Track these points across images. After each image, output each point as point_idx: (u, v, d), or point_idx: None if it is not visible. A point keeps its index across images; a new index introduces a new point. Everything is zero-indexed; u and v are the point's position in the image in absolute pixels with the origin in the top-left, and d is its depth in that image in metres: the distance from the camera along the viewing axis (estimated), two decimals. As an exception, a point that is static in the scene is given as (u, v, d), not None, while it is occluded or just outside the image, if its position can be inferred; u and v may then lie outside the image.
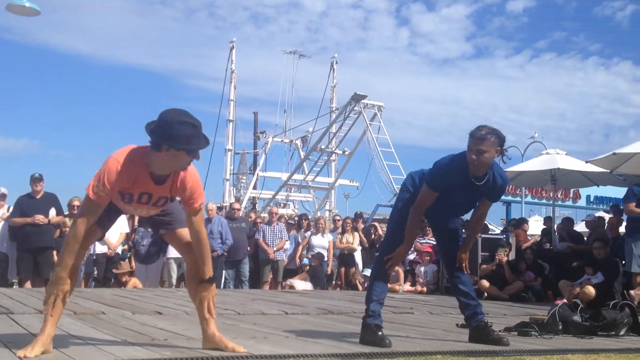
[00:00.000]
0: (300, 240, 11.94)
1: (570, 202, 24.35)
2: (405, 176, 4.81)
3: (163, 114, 3.25)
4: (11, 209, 9.53)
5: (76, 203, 9.65)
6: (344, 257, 12.00)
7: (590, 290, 7.69)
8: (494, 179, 4.33)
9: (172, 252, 10.15)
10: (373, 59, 65.18)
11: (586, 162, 11.05)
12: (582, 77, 70.64)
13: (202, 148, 3.29)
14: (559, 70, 70.66)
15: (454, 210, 4.57)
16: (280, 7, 65.98)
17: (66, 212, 9.70)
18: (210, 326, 3.62)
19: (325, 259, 11.60)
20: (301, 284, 10.88)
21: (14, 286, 9.53)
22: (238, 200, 22.67)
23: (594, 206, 23.62)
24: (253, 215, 13.25)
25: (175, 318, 5.40)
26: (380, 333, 4.22)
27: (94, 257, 10.05)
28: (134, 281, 9.86)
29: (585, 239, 11.20)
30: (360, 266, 12.04)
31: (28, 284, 9.09)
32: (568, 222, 12.23)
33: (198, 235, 3.52)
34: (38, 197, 9.29)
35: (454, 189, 4.31)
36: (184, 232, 3.59)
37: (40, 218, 9.07)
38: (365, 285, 11.37)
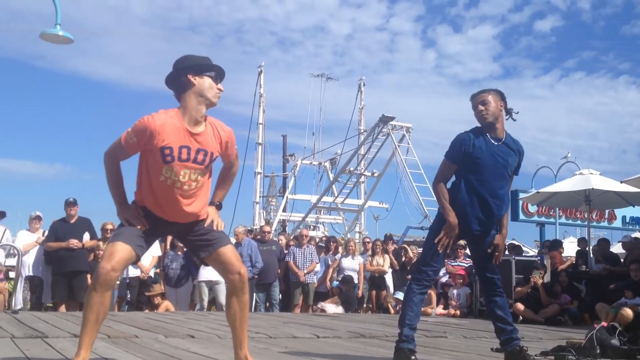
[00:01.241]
0: (330, 262, 11.90)
1: (605, 223, 23.95)
2: None
3: (175, 63, 3.48)
4: (46, 233, 9.69)
5: (109, 227, 9.78)
6: (375, 280, 11.92)
7: (629, 312, 7.50)
8: (512, 139, 4.47)
9: (203, 276, 10.22)
10: (400, 81, 65.41)
11: (621, 182, 10.87)
12: (613, 96, 69.90)
13: (222, 70, 3.50)
14: (589, 90, 70.06)
15: (490, 188, 4.35)
16: (306, 31, 66.70)
17: (100, 237, 9.84)
18: (242, 349, 3.60)
19: (356, 281, 11.53)
20: (332, 308, 10.81)
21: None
22: (268, 223, 22.74)
23: (630, 227, 23.18)
24: (283, 238, 13.25)
25: (208, 341, 5.41)
26: (413, 357, 4.17)
27: (127, 281, 10.14)
28: (166, 304, 9.92)
29: (622, 260, 10.97)
30: (391, 289, 11.95)
31: (62, 308, 9.20)
32: (604, 243, 12.01)
33: (232, 168, 3.76)
34: (72, 221, 9.44)
35: (479, 160, 4.31)
36: (226, 252, 3.54)
37: (74, 242, 9.20)
38: (397, 308, 11.31)
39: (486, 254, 4.48)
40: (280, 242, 12.21)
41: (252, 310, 10.69)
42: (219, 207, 3.72)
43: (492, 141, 4.36)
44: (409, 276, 11.79)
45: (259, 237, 11.82)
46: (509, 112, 4.47)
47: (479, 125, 4.43)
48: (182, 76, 3.42)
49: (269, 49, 63.87)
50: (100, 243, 9.50)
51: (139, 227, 3.44)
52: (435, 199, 4.61)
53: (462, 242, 4.75)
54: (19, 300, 9.27)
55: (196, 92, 3.42)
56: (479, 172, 4.33)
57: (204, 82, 3.43)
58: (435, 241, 4.36)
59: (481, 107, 4.35)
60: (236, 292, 3.55)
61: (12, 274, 9.58)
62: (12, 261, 9.67)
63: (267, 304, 11.08)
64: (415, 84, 68.54)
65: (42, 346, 4.65)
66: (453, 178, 4.51)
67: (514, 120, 4.51)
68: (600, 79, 70.52)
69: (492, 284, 4.52)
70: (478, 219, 4.36)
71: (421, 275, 4.44)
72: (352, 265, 11.65)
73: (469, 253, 11.29)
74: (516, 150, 4.48)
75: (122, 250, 3.32)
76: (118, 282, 10.17)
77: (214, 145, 3.50)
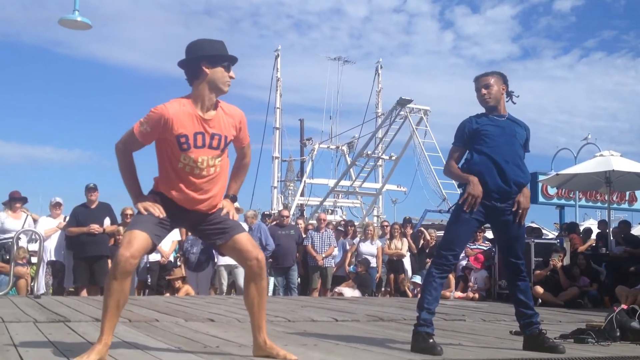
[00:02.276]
0: (348, 247, 11.93)
1: (626, 205, 23.68)
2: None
3: (188, 47, 3.51)
4: (67, 218, 9.80)
5: (129, 212, 9.88)
6: (393, 263, 11.94)
7: (650, 295, 7.45)
8: (514, 118, 4.53)
9: (222, 260, 10.28)
10: (417, 63, 64.94)
11: (642, 163, 10.73)
12: (634, 76, 68.78)
13: (235, 59, 3.53)
14: (610, 70, 69.05)
15: (503, 153, 4.35)
16: (322, 14, 66.31)
17: (120, 222, 9.94)
18: (261, 333, 3.63)
19: (374, 265, 11.55)
20: (349, 292, 10.85)
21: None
22: (286, 207, 22.81)
23: (651, 209, 22.90)
24: (302, 222, 13.29)
25: (227, 325, 5.46)
26: (431, 341, 4.17)
27: (148, 265, 10.25)
28: (187, 288, 10.02)
29: (643, 242, 10.86)
30: (409, 272, 11.95)
31: (84, 292, 9.33)
32: (625, 225, 11.89)
33: (244, 159, 3.81)
34: (93, 206, 9.54)
35: (486, 130, 4.38)
36: (241, 239, 3.57)
37: (95, 227, 9.31)
38: (415, 291, 11.32)
39: (510, 237, 4.45)
40: (299, 226, 12.25)
41: (271, 294, 10.77)
42: (233, 199, 3.76)
43: (496, 117, 4.48)
44: (428, 260, 11.88)
45: (277, 221, 11.87)
46: (509, 94, 4.57)
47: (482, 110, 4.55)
48: (195, 65, 3.46)
49: (285, 32, 63.78)
50: (121, 228, 9.60)
51: (156, 215, 3.46)
52: (451, 179, 4.67)
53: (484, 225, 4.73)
54: (41, 285, 9.42)
55: (209, 81, 3.46)
56: (488, 141, 4.38)
57: (217, 73, 3.46)
58: (460, 202, 4.37)
59: (484, 91, 4.44)
60: (254, 278, 3.58)
61: (34, 259, 9.72)
62: (34, 246, 9.81)
63: (286, 288, 11.13)
64: (433, 65, 68.06)
65: (65, 330, 4.73)
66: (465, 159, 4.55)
67: (514, 103, 4.60)
68: (620, 59, 69.49)
69: (516, 269, 4.47)
70: (497, 187, 4.33)
71: (441, 259, 4.44)
72: (370, 249, 11.67)
73: (489, 237, 11.28)
74: (521, 124, 4.55)
75: (140, 237, 3.34)
76: (139, 267, 10.28)
77: (227, 129, 3.54)
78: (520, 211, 4.39)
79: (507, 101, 4.56)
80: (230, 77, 3.51)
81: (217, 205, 3.62)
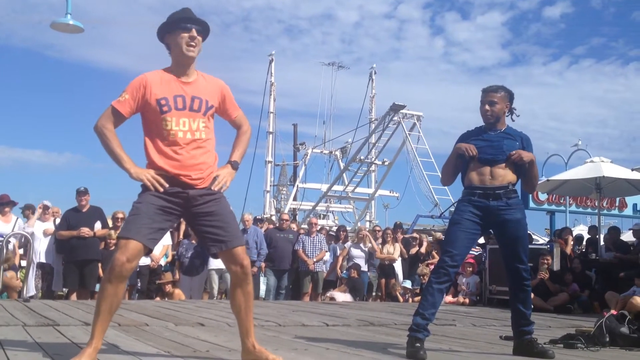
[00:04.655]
0: (339, 251, 11.93)
1: (616, 211, 23.76)
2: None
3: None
4: (57, 222, 9.76)
5: (120, 215, 9.85)
6: (384, 268, 11.95)
7: (638, 301, 7.47)
8: (514, 130, 4.61)
9: (214, 264, 10.26)
10: (408, 69, 65.11)
11: (632, 169, 10.79)
12: (623, 83, 69.37)
13: (196, 21, 3.51)
14: (599, 77, 69.54)
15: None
16: (313, 19, 66.44)
17: (111, 225, 9.90)
18: (250, 338, 3.62)
19: (364, 269, 11.56)
20: (341, 296, 10.85)
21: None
22: (279, 211, 22.79)
23: (641, 215, 23.00)
24: (295, 226, 13.32)
25: (217, 329, 5.44)
26: (417, 345, 4.18)
27: (138, 269, 10.20)
28: (178, 293, 9.98)
29: (633, 248, 10.92)
30: (401, 277, 11.97)
31: (74, 296, 9.28)
32: (614, 231, 11.95)
33: (242, 127, 3.77)
34: (84, 210, 9.51)
35: (481, 148, 4.49)
36: (237, 251, 3.49)
37: (85, 231, 9.27)
38: (406, 296, 11.33)
39: (510, 237, 4.44)
40: (298, 231, 12.29)
41: (263, 297, 10.77)
42: (234, 165, 3.67)
43: (490, 132, 4.55)
44: (421, 264, 11.91)
45: (278, 224, 11.89)
46: (511, 111, 4.62)
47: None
48: (161, 38, 3.58)
49: (277, 37, 63.82)
50: (112, 232, 9.57)
51: (159, 188, 3.39)
52: (447, 174, 4.75)
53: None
54: (31, 287, 9.37)
55: (174, 48, 3.52)
56: (472, 159, 4.50)
57: (176, 38, 3.49)
58: (461, 151, 4.49)
59: (487, 107, 4.51)
60: (240, 284, 3.55)
61: (23, 263, 9.67)
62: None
63: (276, 291, 11.11)
64: (424, 71, 68.25)
65: (54, 334, 4.70)
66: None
67: (513, 120, 4.65)
68: (610, 66, 69.99)
69: (519, 277, 4.44)
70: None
71: (438, 263, 4.47)
72: (362, 254, 11.68)
73: (480, 241, 11.30)
74: (517, 136, 4.57)
75: (135, 242, 3.32)
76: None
77: (208, 94, 3.56)
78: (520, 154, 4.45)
79: (507, 116, 4.61)
80: (191, 37, 3.48)
81: (209, 176, 3.52)
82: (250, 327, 3.62)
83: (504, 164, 4.46)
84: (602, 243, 11.54)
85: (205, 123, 3.53)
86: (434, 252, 12.37)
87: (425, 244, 12.56)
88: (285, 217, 12.48)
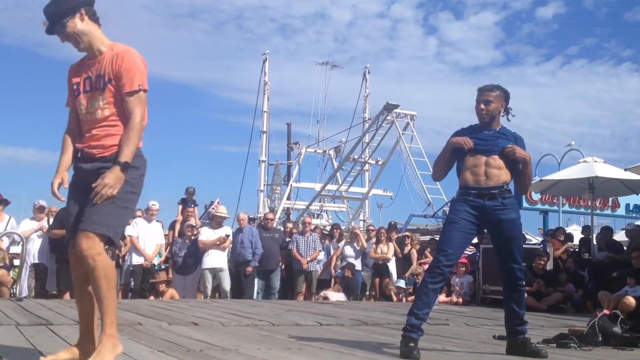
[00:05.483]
0: (333, 250, 11.92)
1: (609, 211, 23.87)
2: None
3: None
4: (51, 221, 9.73)
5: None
6: (378, 268, 11.96)
7: (631, 300, 7.50)
8: (508, 130, 4.61)
9: (207, 263, 10.26)
10: (402, 68, 65.26)
11: (625, 169, 10.83)
12: (616, 83, 69.70)
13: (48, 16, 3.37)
14: (592, 77, 69.86)
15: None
16: (307, 18, 66.49)
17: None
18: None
19: (358, 268, 11.57)
20: (335, 295, 10.86)
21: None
22: (272, 210, 22.75)
23: (634, 215, 23.10)
24: (290, 225, 13.27)
25: (211, 329, 5.44)
26: (411, 344, 4.18)
27: (131, 269, 10.19)
28: (171, 292, 9.97)
29: (625, 248, 10.97)
30: (395, 276, 11.98)
31: (67, 296, 9.24)
32: (607, 231, 12.00)
33: (129, 116, 3.32)
34: (77, 209, 9.46)
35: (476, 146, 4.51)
36: (81, 236, 3.25)
37: (79, 230, 9.22)
38: (400, 296, 11.34)
39: (504, 237, 4.45)
40: (289, 230, 12.26)
41: (254, 297, 10.75)
42: (123, 166, 3.24)
43: (484, 131, 4.56)
44: (414, 263, 11.93)
45: (262, 224, 11.85)
46: (507, 111, 4.64)
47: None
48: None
49: (270, 36, 63.83)
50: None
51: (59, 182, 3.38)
52: (440, 167, 4.75)
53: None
54: (24, 288, 9.33)
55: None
56: (468, 151, 4.51)
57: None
58: (458, 144, 4.50)
59: (482, 107, 4.53)
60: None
61: (16, 262, 9.63)
62: (16, 249, 9.72)
63: (266, 292, 11.09)
64: (417, 71, 68.42)
65: (47, 333, 4.69)
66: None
67: (509, 120, 4.68)
68: (602, 66, 70.32)
69: (513, 276, 4.44)
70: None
71: (433, 262, 4.48)
72: (355, 253, 11.68)
73: (474, 241, 11.33)
74: (510, 136, 4.58)
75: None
76: (123, 270, 10.22)
77: (109, 69, 3.36)
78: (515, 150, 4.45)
79: (502, 116, 4.62)
80: (44, 25, 3.43)
81: (105, 152, 3.33)
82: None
83: (497, 164, 4.45)
84: (594, 243, 11.58)
85: (106, 98, 3.34)
86: (426, 252, 12.41)
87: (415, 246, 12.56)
88: (270, 216, 12.40)
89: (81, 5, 3.37)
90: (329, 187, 28.17)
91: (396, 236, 12.67)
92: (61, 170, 3.42)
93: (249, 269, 10.56)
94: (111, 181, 3.19)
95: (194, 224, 11.07)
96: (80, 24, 3.37)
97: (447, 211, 4.76)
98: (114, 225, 3.28)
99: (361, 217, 29.23)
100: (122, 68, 3.31)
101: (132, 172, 3.31)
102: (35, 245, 9.72)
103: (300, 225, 12.37)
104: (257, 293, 11.05)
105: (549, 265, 10.44)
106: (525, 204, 20.57)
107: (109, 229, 3.24)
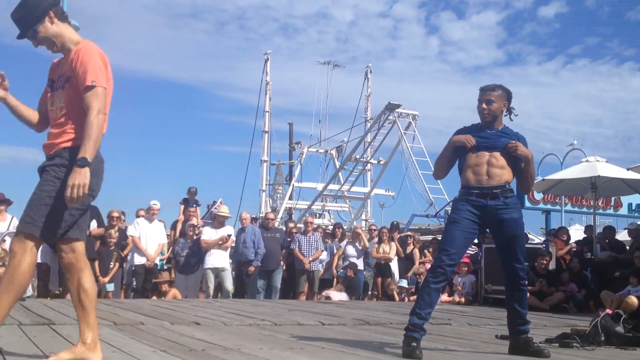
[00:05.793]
0: (335, 250, 11.92)
1: (611, 211, 23.82)
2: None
3: None
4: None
5: (115, 214, 9.84)
6: (381, 267, 11.95)
7: (633, 300, 7.49)
8: (511, 130, 4.60)
9: (209, 263, 10.26)
10: (403, 68, 65.23)
11: (627, 169, 10.81)
12: (618, 83, 69.62)
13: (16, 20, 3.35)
14: (594, 76, 69.81)
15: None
16: (309, 17, 66.54)
17: (106, 224, 9.88)
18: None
19: (361, 267, 11.56)
20: (337, 295, 10.85)
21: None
22: (274, 210, 22.77)
23: (636, 214, 23.06)
24: (292, 225, 13.26)
25: (213, 328, 5.44)
26: (413, 344, 4.18)
27: (133, 268, 10.20)
28: (174, 292, 9.98)
29: (628, 247, 10.95)
30: (397, 276, 11.97)
31: (69, 295, 9.24)
32: (609, 230, 11.98)
33: (87, 109, 3.23)
34: (79, 209, 9.47)
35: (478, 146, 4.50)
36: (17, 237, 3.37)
37: (81, 230, 9.23)
38: (402, 295, 11.34)
39: (506, 236, 4.43)
40: (291, 229, 12.26)
41: (259, 297, 10.75)
42: (80, 164, 3.13)
43: (487, 130, 4.55)
44: (416, 263, 11.92)
45: (263, 224, 11.86)
46: (510, 110, 4.63)
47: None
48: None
49: (272, 36, 63.84)
50: (112, 231, 9.59)
51: None
52: (441, 165, 4.74)
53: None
54: (27, 289, 9.34)
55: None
56: (469, 150, 4.51)
57: None
58: (460, 142, 4.49)
59: (484, 106, 4.52)
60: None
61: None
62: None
63: (268, 292, 11.08)
64: (419, 71, 68.39)
65: (49, 333, 4.70)
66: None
67: (511, 120, 4.66)
68: (605, 66, 70.24)
69: (515, 276, 4.44)
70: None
71: (435, 262, 4.47)
72: (357, 252, 11.68)
73: (475, 241, 11.34)
74: (513, 135, 4.58)
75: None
76: (125, 269, 10.23)
77: (69, 67, 3.33)
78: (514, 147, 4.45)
79: (505, 115, 4.62)
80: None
81: (52, 150, 3.35)
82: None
83: (500, 163, 4.45)
84: (595, 242, 11.57)
85: (64, 96, 3.34)
86: (426, 251, 12.41)
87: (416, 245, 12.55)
88: (271, 216, 12.39)
89: (49, 7, 3.32)
90: (331, 186, 28.19)
91: (398, 236, 12.66)
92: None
93: (252, 268, 10.56)
94: (74, 181, 3.11)
95: (196, 224, 11.08)
96: (50, 27, 3.34)
97: (449, 211, 4.75)
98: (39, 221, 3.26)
99: (363, 216, 29.26)
100: (79, 65, 3.27)
101: (59, 168, 3.27)
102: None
103: (303, 225, 12.36)
104: (259, 293, 11.04)
105: (552, 265, 10.42)
106: (527, 204, 20.55)
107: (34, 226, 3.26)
